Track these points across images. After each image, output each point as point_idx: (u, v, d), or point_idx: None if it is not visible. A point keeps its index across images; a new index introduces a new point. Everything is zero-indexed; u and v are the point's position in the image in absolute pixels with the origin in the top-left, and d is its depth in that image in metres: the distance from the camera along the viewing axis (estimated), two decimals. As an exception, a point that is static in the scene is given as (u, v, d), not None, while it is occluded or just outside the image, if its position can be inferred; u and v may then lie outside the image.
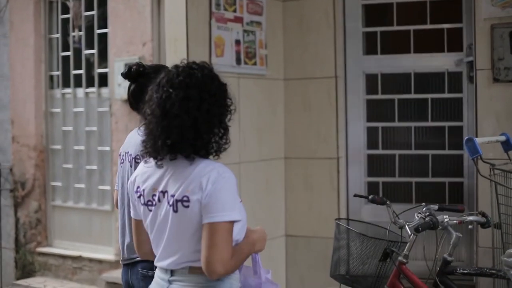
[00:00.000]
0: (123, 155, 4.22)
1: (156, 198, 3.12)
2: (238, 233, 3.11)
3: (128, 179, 3.81)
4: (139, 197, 3.20)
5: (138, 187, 3.21)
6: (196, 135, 3.04)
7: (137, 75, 4.17)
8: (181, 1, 5.70)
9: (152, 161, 3.16)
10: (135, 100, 4.19)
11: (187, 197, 3.02)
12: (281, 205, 6.81)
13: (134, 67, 4.17)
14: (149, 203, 3.15)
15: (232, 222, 3.02)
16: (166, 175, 3.11)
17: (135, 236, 3.39)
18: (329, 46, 6.65)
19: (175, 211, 3.05)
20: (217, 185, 3.01)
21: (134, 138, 4.10)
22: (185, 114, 3.02)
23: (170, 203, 3.06)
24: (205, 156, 3.11)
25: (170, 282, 3.14)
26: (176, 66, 3.16)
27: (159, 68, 4.06)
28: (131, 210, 3.35)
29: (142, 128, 3.25)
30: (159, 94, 3.08)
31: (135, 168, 3.86)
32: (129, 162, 4.12)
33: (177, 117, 3.02)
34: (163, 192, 3.10)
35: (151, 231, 3.19)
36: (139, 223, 3.30)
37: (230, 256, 3.00)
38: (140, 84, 4.13)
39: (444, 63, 6.55)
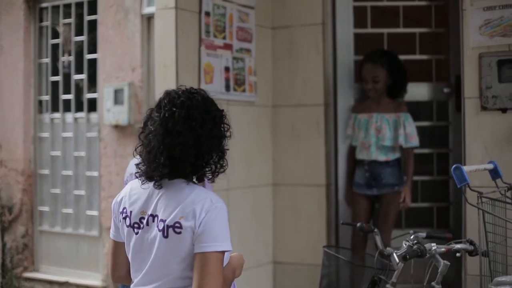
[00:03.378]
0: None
1: (144, 221, 3.12)
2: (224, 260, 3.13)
3: None
4: (124, 218, 3.18)
5: (124, 208, 3.20)
6: (198, 153, 3.08)
7: None
8: (171, 27, 5.73)
9: (148, 183, 3.15)
10: None
11: (179, 223, 3.02)
12: (269, 231, 6.80)
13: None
14: (136, 225, 3.14)
15: (224, 252, 3.05)
16: (156, 198, 3.12)
17: (112, 259, 3.35)
18: (318, 74, 6.68)
19: (165, 236, 3.04)
20: (210, 214, 3.02)
21: None
22: (188, 132, 3.06)
23: (160, 228, 3.05)
24: (201, 178, 3.15)
25: None
26: (176, 89, 3.20)
27: None
28: (112, 231, 3.31)
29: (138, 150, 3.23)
30: (161, 114, 3.10)
31: None
32: None
33: (180, 134, 3.05)
34: (153, 216, 3.10)
35: (133, 255, 3.18)
36: (119, 245, 3.29)
37: (221, 285, 3.02)
38: None
39: (431, 93, 6.66)
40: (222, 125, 3.23)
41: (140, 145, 3.19)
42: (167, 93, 3.19)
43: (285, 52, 6.83)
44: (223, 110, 3.27)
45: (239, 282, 6.01)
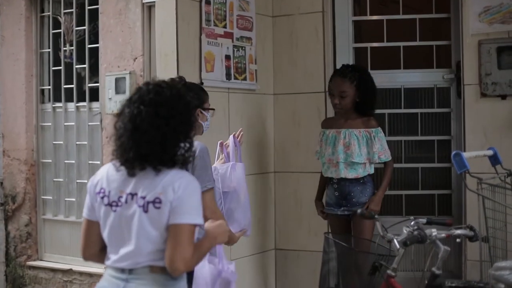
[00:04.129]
0: None
1: (123, 199, 3.33)
2: (198, 232, 3.40)
3: None
4: (102, 197, 3.38)
5: (102, 188, 3.40)
6: (163, 149, 3.30)
7: None
8: (171, 16, 5.74)
9: (123, 169, 3.36)
10: None
11: (159, 199, 3.25)
12: (271, 219, 6.84)
13: (177, 79, 4.47)
14: (114, 203, 3.35)
15: (195, 225, 3.29)
16: (135, 179, 3.34)
17: (84, 237, 3.52)
18: (319, 62, 6.70)
19: (146, 211, 3.27)
20: (187, 190, 3.27)
21: None
22: (154, 130, 3.29)
23: (140, 204, 3.28)
24: (172, 167, 3.34)
25: (127, 280, 3.32)
26: (147, 84, 3.43)
27: (195, 85, 4.87)
28: (86, 211, 3.49)
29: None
30: (131, 110, 3.34)
31: None
32: None
33: (146, 132, 3.29)
34: (132, 195, 3.32)
35: (110, 232, 3.38)
36: (92, 224, 3.46)
37: (191, 255, 3.25)
38: None
39: (433, 79, 6.63)
40: (190, 118, 3.43)
41: (114, 135, 3.40)
42: (138, 89, 3.42)
43: (286, 40, 6.85)
44: (191, 103, 3.48)
45: (244, 268, 6.07)
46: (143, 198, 3.28)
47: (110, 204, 3.36)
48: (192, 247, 3.26)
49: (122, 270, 3.33)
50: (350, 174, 5.89)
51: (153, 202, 3.26)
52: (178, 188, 3.25)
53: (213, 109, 4.97)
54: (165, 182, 3.27)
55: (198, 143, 4.66)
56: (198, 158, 4.57)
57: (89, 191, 3.48)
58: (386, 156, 5.92)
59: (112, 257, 3.37)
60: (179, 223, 3.23)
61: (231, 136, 5.29)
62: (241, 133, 5.34)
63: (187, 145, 3.39)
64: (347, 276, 5.39)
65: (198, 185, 3.37)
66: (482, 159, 5.31)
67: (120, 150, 3.34)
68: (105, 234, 3.40)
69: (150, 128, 3.28)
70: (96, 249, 3.49)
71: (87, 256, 3.54)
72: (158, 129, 3.29)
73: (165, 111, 3.32)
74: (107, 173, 3.44)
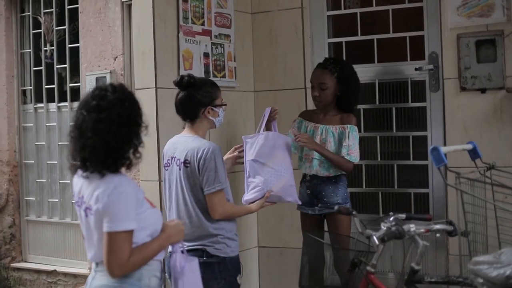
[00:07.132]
0: (168, 159, 4.85)
1: (79, 202, 3.58)
2: (152, 234, 3.58)
3: (176, 180, 4.76)
4: (74, 197, 3.67)
5: (74, 190, 3.68)
6: (107, 153, 3.43)
7: (188, 84, 4.79)
8: (148, 14, 5.72)
9: (79, 173, 3.57)
10: (181, 107, 4.84)
11: (90, 206, 3.46)
12: (254, 216, 6.81)
13: (186, 77, 4.80)
14: (77, 204, 3.62)
15: (125, 232, 3.40)
16: (85, 184, 3.54)
17: None
18: (298, 58, 6.69)
19: (86, 216, 3.51)
20: (111, 198, 3.39)
21: (180, 144, 4.79)
22: (96, 135, 3.41)
23: (83, 208, 3.53)
24: (116, 170, 3.48)
25: (96, 271, 3.60)
26: (95, 89, 3.55)
27: (206, 82, 4.97)
28: None
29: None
30: (77, 117, 3.50)
31: (184, 172, 4.70)
32: (177, 165, 4.75)
33: (89, 138, 3.41)
34: (82, 198, 3.56)
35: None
36: None
37: (126, 259, 3.40)
38: (188, 93, 4.79)
39: (407, 72, 6.54)
40: (135, 120, 3.53)
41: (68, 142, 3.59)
42: (85, 96, 3.55)
43: (265, 37, 6.83)
44: (137, 104, 3.57)
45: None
46: (85, 203, 3.51)
47: (77, 205, 3.63)
48: (127, 252, 3.40)
49: (94, 263, 3.63)
50: (322, 172, 5.75)
51: (88, 208, 3.47)
52: (102, 196, 3.39)
53: (225, 105, 5.02)
54: (95, 189, 3.43)
55: (210, 143, 4.74)
56: (208, 160, 4.65)
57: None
58: (355, 156, 5.71)
59: None
60: (107, 232, 3.39)
61: (267, 108, 5.51)
62: (276, 110, 5.56)
63: (134, 146, 3.52)
64: (327, 273, 5.38)
65: (127, 189, 3.45)
66: (462, 153, 5.30)
67: (71, 156, 3.53)
68: None
69: (92, 134, 3.40)
70: None
71: None
72: (99, 134, 3.40)
73: (106, 116, 3.42)
74: (76, 178, 3.67)
